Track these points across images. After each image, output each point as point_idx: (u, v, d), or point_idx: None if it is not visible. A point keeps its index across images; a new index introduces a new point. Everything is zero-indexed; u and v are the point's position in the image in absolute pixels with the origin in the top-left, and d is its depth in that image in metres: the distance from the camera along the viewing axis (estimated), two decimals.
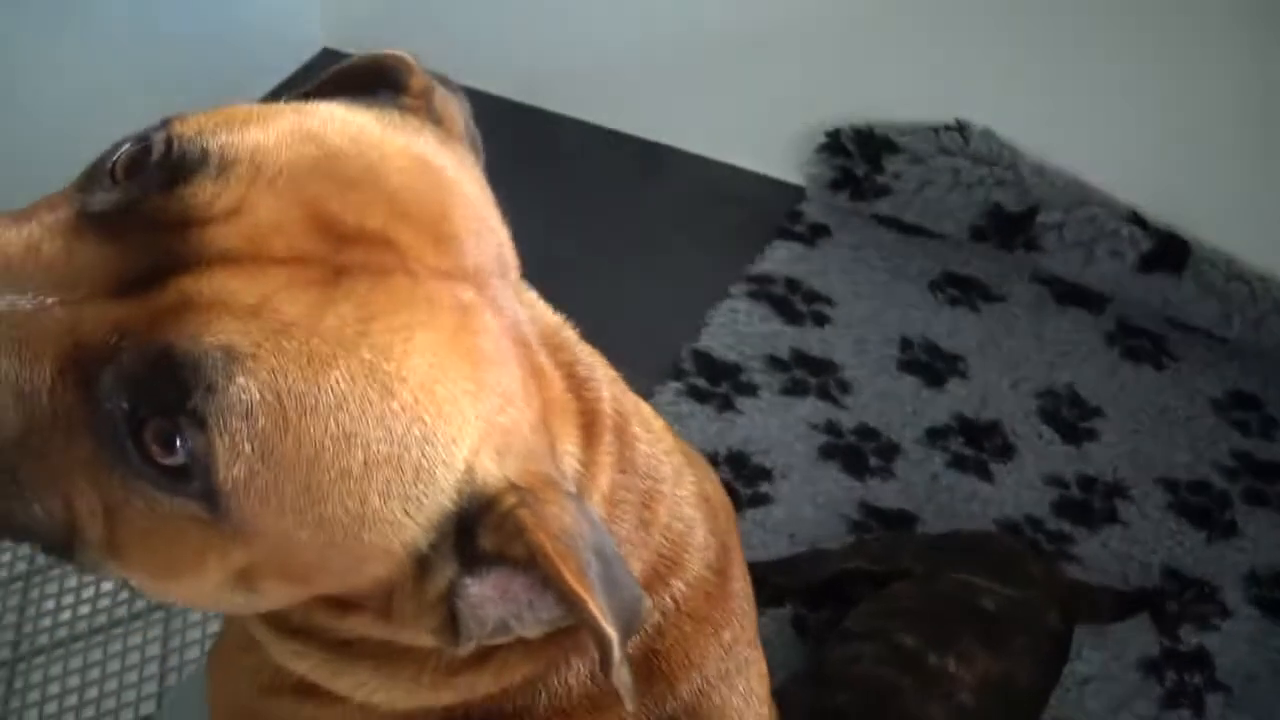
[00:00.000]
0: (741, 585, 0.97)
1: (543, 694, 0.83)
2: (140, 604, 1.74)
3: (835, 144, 2.24)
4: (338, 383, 0.64)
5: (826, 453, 1.93)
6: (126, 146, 0.70)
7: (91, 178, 0.70)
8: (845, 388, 2.02)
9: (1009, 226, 2.18)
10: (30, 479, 0.67)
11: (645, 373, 1.99)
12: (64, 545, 0.69)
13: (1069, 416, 2.03)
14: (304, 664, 0.83)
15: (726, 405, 1.98)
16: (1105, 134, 2.17)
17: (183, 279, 0.64)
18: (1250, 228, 2.14)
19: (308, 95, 0.79)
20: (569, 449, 0.80)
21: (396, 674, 0.82)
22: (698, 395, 1.99)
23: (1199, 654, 1.78)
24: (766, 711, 0.97)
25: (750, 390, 2.00)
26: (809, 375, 2.03)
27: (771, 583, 1.68)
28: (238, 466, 0.63)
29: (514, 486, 0.69)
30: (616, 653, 0.69)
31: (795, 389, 2.01)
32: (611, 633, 0.68)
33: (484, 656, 0.80)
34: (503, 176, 2.09)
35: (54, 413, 0.65)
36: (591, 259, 2.22)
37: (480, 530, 0.69)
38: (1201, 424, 2.06)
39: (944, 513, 1.88)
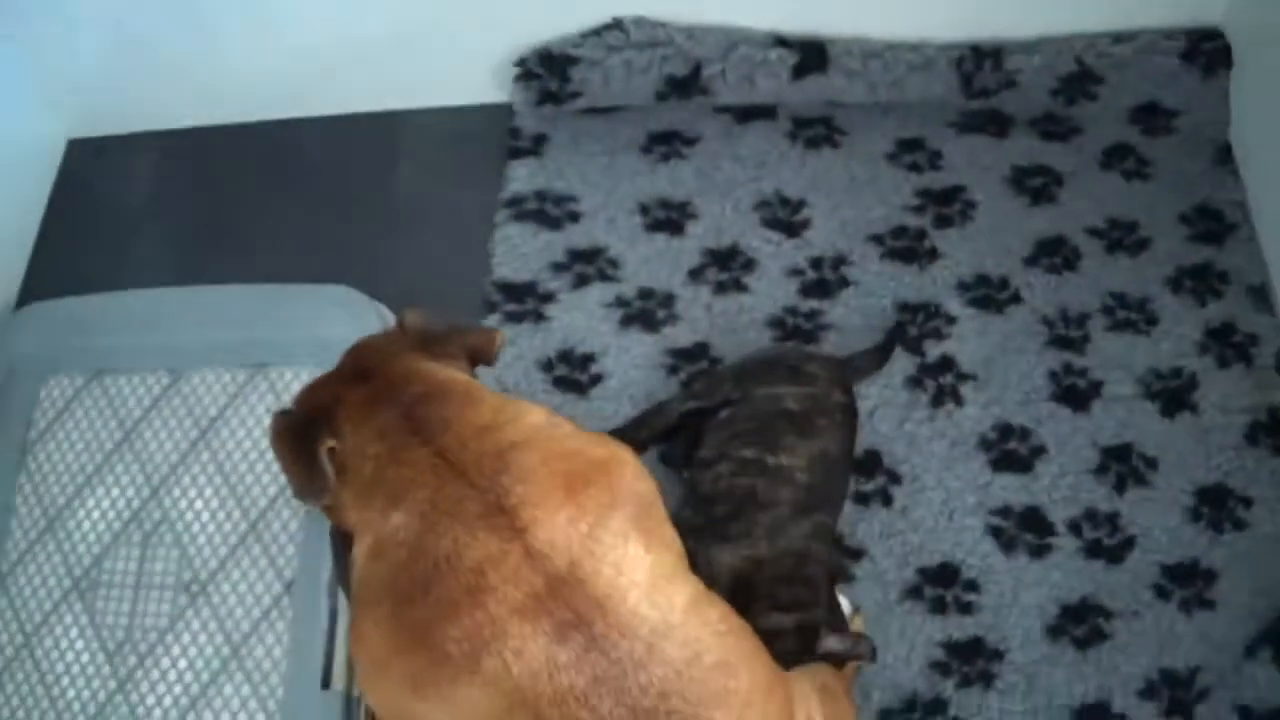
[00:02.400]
0: (597, 498, 1.49)
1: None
2: None
3: (526, 71, 2.55)
4: None
5: (624, 322, 2.37)
6: None
7: None
8: (615, 264, 2.43)
9: (684, 86, 2.55)
10: None
11: (466, 315, 2.37)
12: None
13: (784, 216, 2.46)
14: None
15: (539, 317, 2.38)
16: None
17: None
18: (869, 11, 2.53)
19: None
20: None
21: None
22: (515, 317, 2.38)
23: (943, 359, 2.30)
24: (646, 577, 1.47)
25: (550, 298, 2.40)
26: (586, 265, 2.43)
27: (634, 437, 2.13)
28: None
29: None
30: None
31: (581, 282, 2.42)
32: None
33: None
34: (260, 194, 2.57)
35: None
36: (370, 235, 2.56)
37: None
38: (884, 179, 2.50)
39: (727, 331, 2.34)
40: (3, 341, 2.41)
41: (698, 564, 1.72)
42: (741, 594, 1.81)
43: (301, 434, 1.58)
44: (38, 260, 2.67)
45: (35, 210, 2.73)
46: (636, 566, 1.45)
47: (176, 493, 2.20)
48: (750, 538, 1.91)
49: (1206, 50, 2.47)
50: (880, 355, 2.25)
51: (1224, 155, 2.47)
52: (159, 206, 2.71)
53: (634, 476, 1.54)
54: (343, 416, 1.56)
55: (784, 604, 1.84)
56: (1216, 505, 2.14)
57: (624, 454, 1.57)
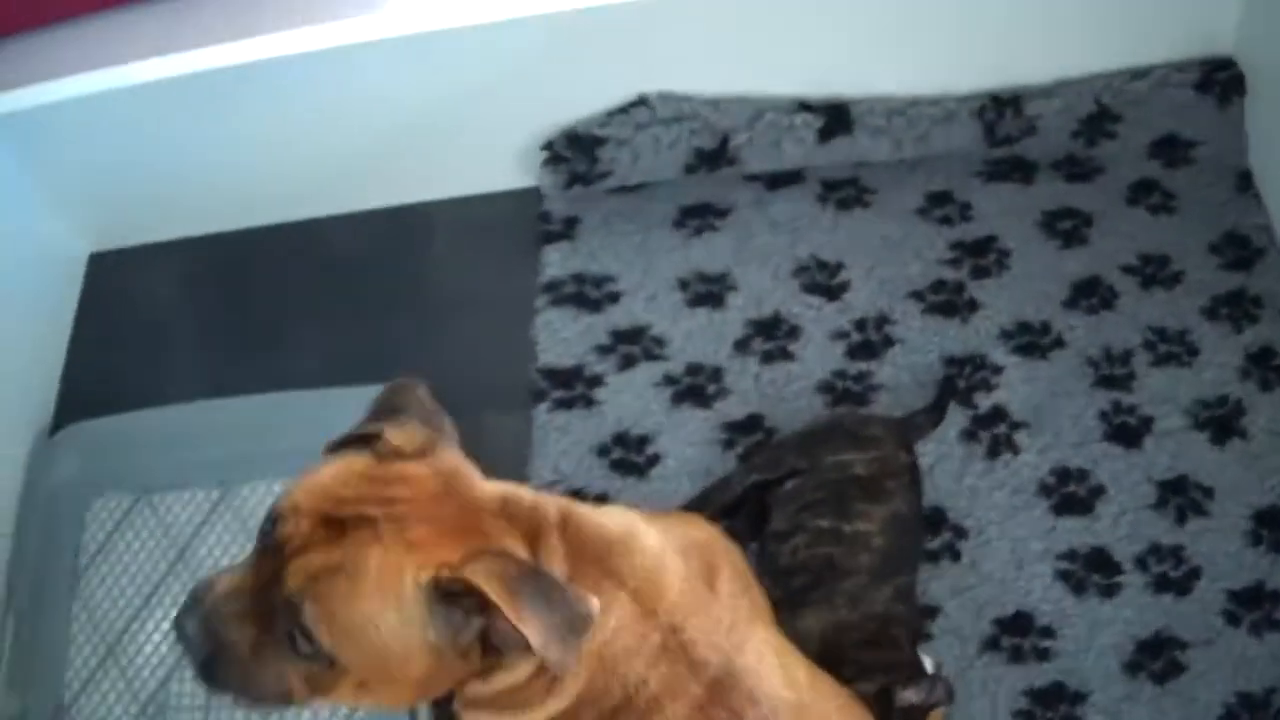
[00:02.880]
0: (729, 586, 1.54)
1: (618, 690, 1.44)
2: None
3: (554, 154, 2.58)
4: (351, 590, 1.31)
5: (675, 400, 2.38)
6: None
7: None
8: (660, 342, 2.45)
9: (712, 158, 2.58)
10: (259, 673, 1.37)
11: (517, 407, 2.41)
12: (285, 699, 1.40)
13: (822, 279, 2.48)
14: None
15: (589, 401, 2.40)
16: (753, 53, 2.54)
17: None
18: (888, 70, 2.57)
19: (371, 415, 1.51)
20: (516, 548, 1.39)
21: (527, 701, 1.45)
22: (564, 404, 2.40)
23: (995, 410, 2.31)
24: (775, 659, 1.52)
25: (598, 381, 2.42)
26: (630, 345, 2.44)
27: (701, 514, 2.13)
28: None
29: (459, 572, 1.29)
30: (533, 640, 1.26)
31: (628, 363, 2.43)
32: (531, 631, 1.26)
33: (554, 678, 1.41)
34: (292, 295, 2.58)
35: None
36: (408, 331, 2.57)
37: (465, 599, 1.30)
38: (917, 234, 2.52)
39: (778, 401, 2.36)
40: (43, 467, 2.41)
41: (786, 634, 1.74)
42: (829, 660, 1.83)
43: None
44: (69, 380, 2.67)
45: (62, 330, 2.73)
46: (766, 649, 1.50)
47: None
48: (831, 605, 1.93)
49: (1220, 80, 2.51)
50: (937, 412, 2.27)
51: (1245, 181, 2.50)
52: (189, 315, 2.72)
53: (736, 551, 1.59)
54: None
55: (869, 667, 1.86)
56: (1275, 527, 2.16)
57: (715, 529, 1.64)
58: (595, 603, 1.32)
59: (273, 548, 1.36)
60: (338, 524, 1.34)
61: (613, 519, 1.53)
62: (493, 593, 1.26)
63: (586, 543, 1.46)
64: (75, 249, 2.82)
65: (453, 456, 1.47)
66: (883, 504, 2.02)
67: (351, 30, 2.34)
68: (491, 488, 1.46)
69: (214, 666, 1.39)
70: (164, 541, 2.30)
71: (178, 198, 2.72)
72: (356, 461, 1.42)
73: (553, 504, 1.49)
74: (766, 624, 1.56)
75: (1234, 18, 2.50)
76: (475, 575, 1.27)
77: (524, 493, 1.49)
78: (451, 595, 1.31)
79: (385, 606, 1.31)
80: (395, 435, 1.43)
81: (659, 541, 1.51)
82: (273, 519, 1.38)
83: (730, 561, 1.58)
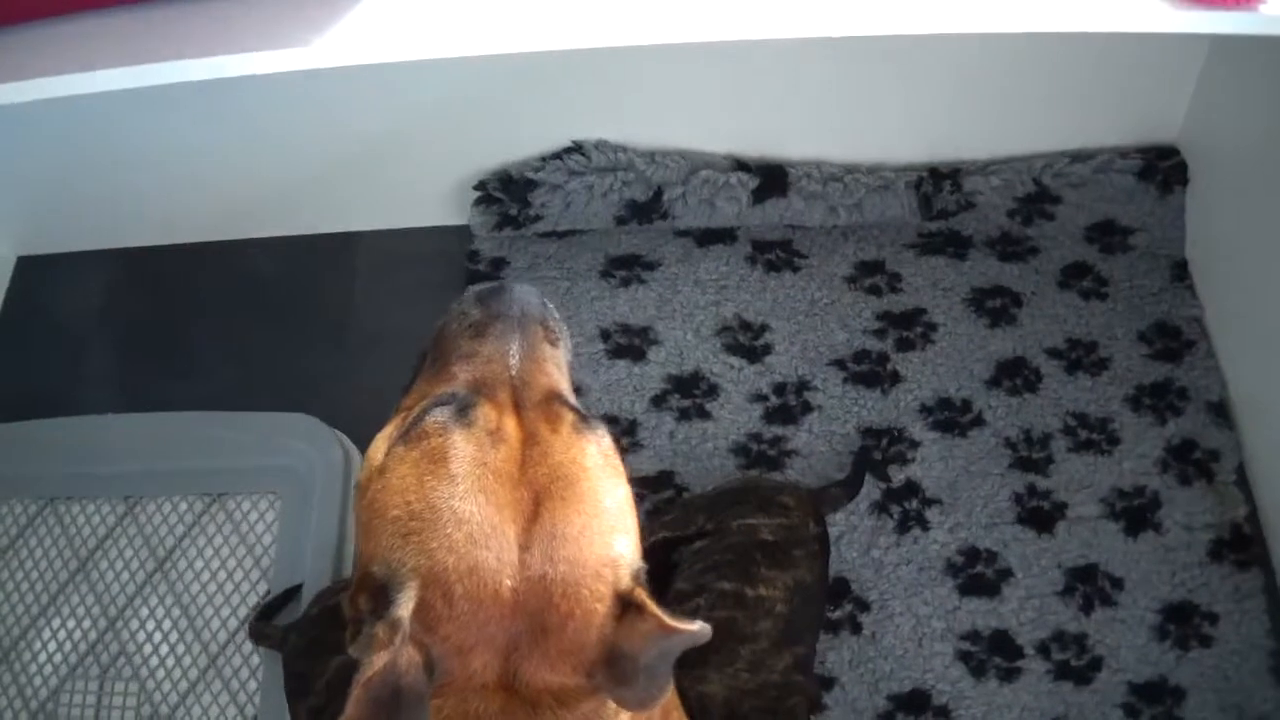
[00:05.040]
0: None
1: None
2: None
3: (486, 195, 2.60)
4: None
5: None
6: None
7: None
8: (577, 391, 2.45)
9: (644, 210, 2.60)
10: None
11: None
12: None
13: (745, 340, 2.51)
14: None
15: None
16: (693, 110, 2.57)
17: None
18: (827, 136, 2.60)
19: None
20: None
21: None
22: None
23: (909, 484, 2.33)
24: None
25: None
26: None
27: None
28: None
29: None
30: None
31: None
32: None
33: None
34: (215, 314, 2.57)
35: None
36: (327, 360, 2.58)
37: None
38: (844, 302, 2.54)
39: (690, 459, 2.38)
40: None
41: (688, 697, 1.75)
42: None
43: None
44: None
45: None
46: None
47: (135, 625, 2.22)
48: (733, 668, 1.93)
49: (1163, 168, 2.54)
50: (852, 486, 2.28)
51: (1181, 272, 2.53)
52: (110, 325, 2.74)
53: None
54: None
55: None
56: (1182, 622, 2.18)
57: None
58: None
59: None
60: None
61: None
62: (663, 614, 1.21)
63: None
64: (2, 251, 2.83)
65: None
66: (788, 571, 2.01)
67: (292, 58, 2.34)
68: None
69: None
70: (66, 551, 2.31)
71: (107, 208, 2.73)
72: None
73: None
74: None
75: (1184, 106, 2.53)
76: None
77: None
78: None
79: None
80: None
81: None
82: None
83: None
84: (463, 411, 1.24)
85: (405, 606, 1.13)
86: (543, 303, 1.41)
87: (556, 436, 1.26)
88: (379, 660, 1.08)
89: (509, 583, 1.16)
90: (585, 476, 1.24)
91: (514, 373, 1.32)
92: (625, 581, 1.21)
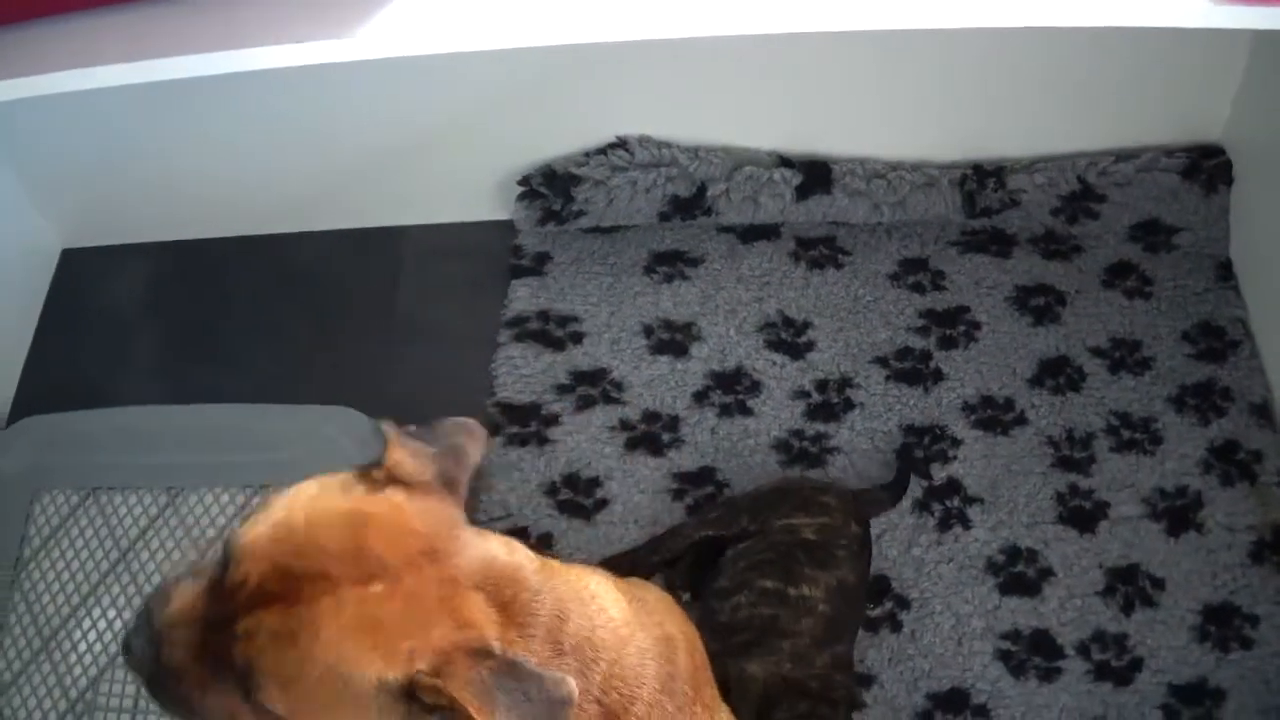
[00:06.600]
0: (711, 691, 1.55)
1: None
2: None
3: (530, 190, 2.62)
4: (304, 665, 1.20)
5: (629, 446, 2.42)
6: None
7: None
8: (619, 386, 2.48)
9: (688, 206, 2.62)
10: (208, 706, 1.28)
11: None
12: None
13: (787, 337, 2.52)
14: None
15: (542, 440, 2.43)
16: (736, 106, 2.58)
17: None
18: (871, 132, 2.60)
19: None
20: (491, 632, 1.26)
21: None
22: (518, 441, 2.43)
23: (950, 482, 2.34)
24: None
25: (554, 420, 2.45)
26: (589, 388, 2.48)
27: (647, 560, 2.20)
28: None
29: (421, 671, 1.19)
30: None
31: (585, 404, 2.47)
32: None
33: None
34: (258, 307, 2.58)
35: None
36: (370, 353, 2.59)
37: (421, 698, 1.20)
38: (887, 300, 2.56)
39: (731, 455, 2.39)
40: None
41: (730, 680, 1.78)
42: (769, 709, 1.87)
43: None
44: (30, 371, 2.71)
45: (29, 321, 2.77)
46: None
47: None
48: (774, 658, 1.95)
49: (1207, 167, 2.54)
50: (897, 488, 2.30)
51: (1225, 272, 2.54)
52: (155, 318, 2.75)
53: (696, 636, 1.62)
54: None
55: (805, 716, 1.89)
56: (1223, 624, 2.19)
57: (676, 607, 1.65)
58: (572, 685, 1.22)
59: (226, 588, 1.26)
60: (295, 579, 1.23)
61: (600, 606, 1.45)
62: (469, 703, 1.17)
63: (567, 629, 1.36)
64: (48, 243, 2.86)
65: (450, 512, 1.34)
66: (830, 570, 2.04)
67: (338, 49, 2.36)
68: (476, 551, 1.32)
69: (161, 686, 1.31)
70: (108, 541, 2.33)
71: (154, 201, 2.75)
72: (340, 495, 1.31)
73: (534, 573, 1.37)
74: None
75: (1227, 104, 2.54)
76: (451, 685, 1.18)
77: (506, 557, 1.35)
78: (415, 693, 1.21)
79: (341, 694, 1.21)
80: (406, 460, 1.35)
81: (643, 644, 1.46)
82: (227, 554, 1.28)
83: (691, 654, 1.56)
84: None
85: None
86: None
87: None
88: None
89: None
90: None
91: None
92: None
